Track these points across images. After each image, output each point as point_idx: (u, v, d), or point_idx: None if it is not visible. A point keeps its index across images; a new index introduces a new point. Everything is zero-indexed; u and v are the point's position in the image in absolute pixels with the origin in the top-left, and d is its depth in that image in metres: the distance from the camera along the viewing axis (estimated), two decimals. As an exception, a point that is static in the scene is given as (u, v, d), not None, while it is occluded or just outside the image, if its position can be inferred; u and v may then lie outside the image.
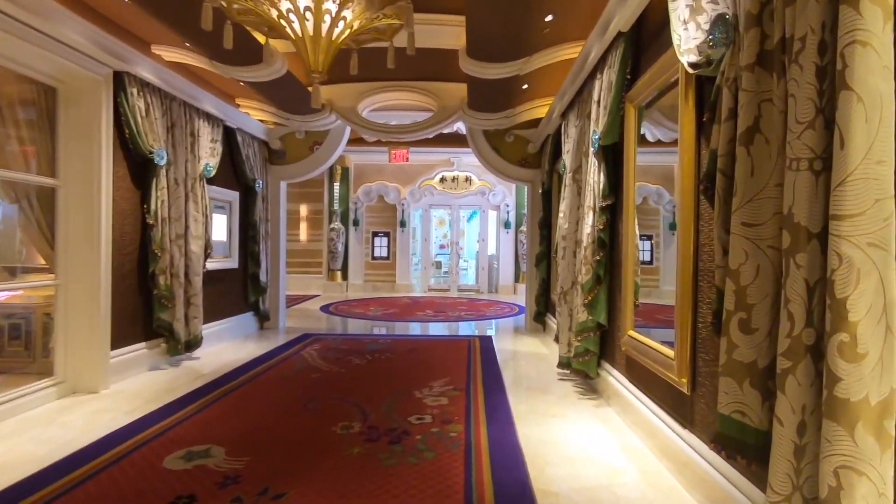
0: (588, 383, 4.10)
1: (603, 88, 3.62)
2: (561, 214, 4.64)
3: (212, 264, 5.50)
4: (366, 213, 12.34)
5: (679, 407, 2.59)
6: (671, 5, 2.28)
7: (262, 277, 6.59)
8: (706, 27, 2.01)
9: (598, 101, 3.71)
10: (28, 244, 4.10)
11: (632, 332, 3.27)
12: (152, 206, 4.40)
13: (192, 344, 4.89)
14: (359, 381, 4.28)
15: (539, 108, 6.05)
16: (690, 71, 2.22)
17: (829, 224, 1.32)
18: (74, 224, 3.89)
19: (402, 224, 12.31)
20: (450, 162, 11.96)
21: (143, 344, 4.50)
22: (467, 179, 12.19)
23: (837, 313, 1.27)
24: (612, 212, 3.68)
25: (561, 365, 4.36)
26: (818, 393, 1.37)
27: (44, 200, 3.82)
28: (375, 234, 12.45)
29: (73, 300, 3.88)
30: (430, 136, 6.99)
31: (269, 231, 6.81)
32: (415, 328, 7.48)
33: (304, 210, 12.27)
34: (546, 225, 6.39)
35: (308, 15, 2.65)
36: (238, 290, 6.40)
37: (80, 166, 3.88)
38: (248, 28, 3.18)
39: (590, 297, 3.78)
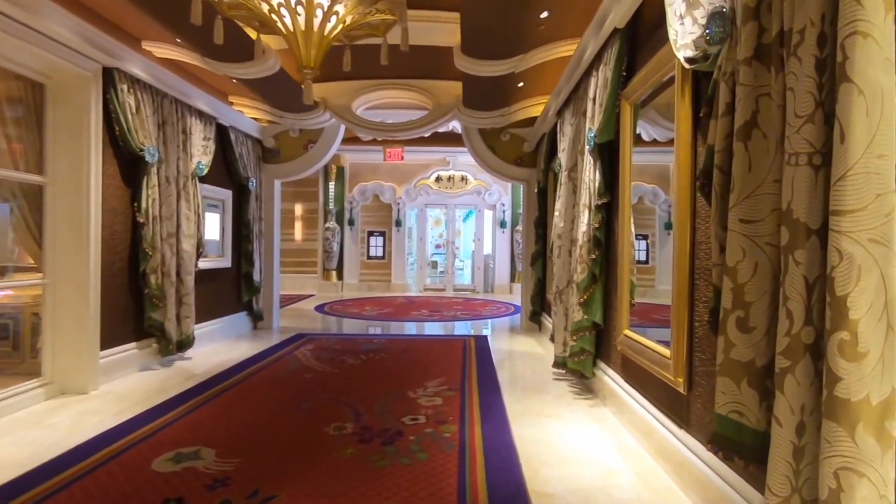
0: (584, 383, 4.07)
1: (599, 86, 3.60)
2: (556, 213, 4.61)
3: (204, 263, 5.45)
4: (361, 212, 12.29)
5: (675, 407, 2.56)
6: (667, 0, 2.25)
7: (256, 277, 6.54)
8: (703, 21, 1.98)
9: (594, 99, 3.68)
10: (18, 243, 4.04)
11: (627, 332, 3.24)
12: (143, 205, 4.35)
13: (184, 344, 4.84)
14: (352, 381, 4.24)
15: (535, 107, 6.02)
16: (687, 66, 2.19)
17: (828, 220, 1.29)
18: (63, 222, 3.82)
19: (398, 223, 12.27)
20: (445, 161, 11.93)
21: (133, 344, 4.44)
22: (463, 179, 12.16)
23: (838, 311, 1.24)
24: (607, 210, 3.66)
25: (556, 364, 4.33)
26: (818, 393, 1.34)
27: (31, 198, 3.76)
28: (371, 234, 12.40)
29: (61, 300, 3.82)
30: (426, 135, 6.97)
31: (262, 230, 6.76)
32: (410, 328, 7.44)
33: (299, 209, 12.23)
34: (542, 224, 6.37)
35: (299, 10, 2.61)
36: (231, 290, 6.34)
37: (68, 163, 3.82)
38: (239, 23, 3.14)
39: (585, 297, 3.76)
